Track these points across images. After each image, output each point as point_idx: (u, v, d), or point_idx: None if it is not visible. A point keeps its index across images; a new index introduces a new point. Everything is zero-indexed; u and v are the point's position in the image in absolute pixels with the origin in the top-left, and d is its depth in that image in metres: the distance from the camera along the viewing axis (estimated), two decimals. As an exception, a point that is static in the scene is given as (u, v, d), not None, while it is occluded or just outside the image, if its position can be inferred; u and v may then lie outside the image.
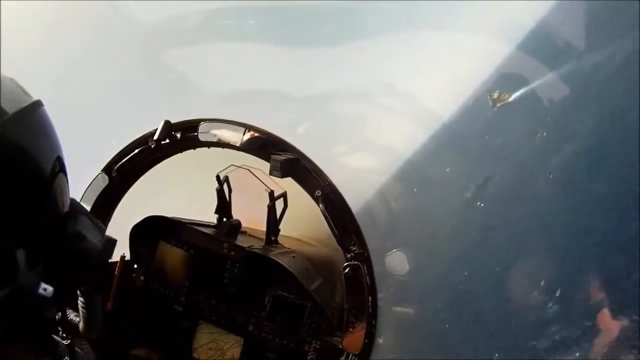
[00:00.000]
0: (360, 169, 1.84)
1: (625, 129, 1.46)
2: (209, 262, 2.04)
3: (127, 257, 2.12)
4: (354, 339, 1.74)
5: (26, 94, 1.01)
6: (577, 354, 1.53)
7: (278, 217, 2.08)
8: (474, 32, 1.66)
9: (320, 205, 1.75)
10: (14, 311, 0.94)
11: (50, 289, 0.94)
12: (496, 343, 1.63)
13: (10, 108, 0.91)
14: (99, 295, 1.37)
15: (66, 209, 1.05)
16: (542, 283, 1.59)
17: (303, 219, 2.21)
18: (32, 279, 0.93)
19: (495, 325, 1.65)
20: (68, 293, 1.18)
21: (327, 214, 1.75)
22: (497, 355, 1.61)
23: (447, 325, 1.71)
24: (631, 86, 1.43)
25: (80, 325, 1.45)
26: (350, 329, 1.74)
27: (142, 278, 2.14)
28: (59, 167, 1.01)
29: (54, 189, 0.99)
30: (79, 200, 1.77)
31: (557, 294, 1.56)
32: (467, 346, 1.68)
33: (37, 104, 0.99)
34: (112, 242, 1.22)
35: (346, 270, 1.72)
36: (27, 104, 0.96)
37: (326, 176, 1.77)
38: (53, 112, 1.07)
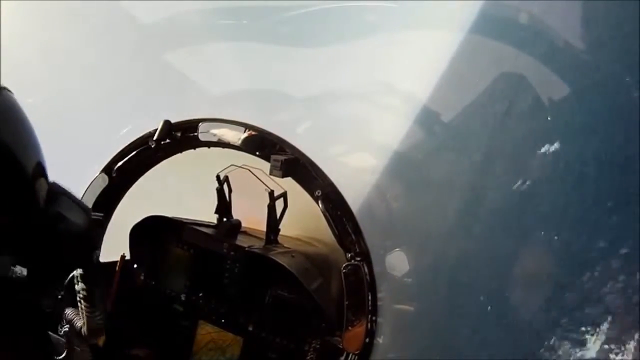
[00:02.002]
0: (360, 169, 1.84)
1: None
2: (209, 262, 2.04)
3: (127, 257, 2.12)
4: (354, 338, 1.74)
5: None
6: (578, 354, 1.53)
7: (278, 216, 2.08)
8: (474, 33, 1.66)
9: (320, 205, 1.75)
10: None
11: (24, 271, 0.96)
12: (496, 342, 1.63)
13: None
14: (99, 291, 1.36)
15: (42, 192, 1.04)
16: (542, 283, 1.59)
17: (303, 219, 2.21)
18: (2, 264, 0.95)
19: (495, 325, 1.65)
20: (50, 275, 1.16)
21: (327, 214, 1.75)
22: (496, 354, 1.61)
23: (446, 325, 1.71)
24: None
25: (83, 329, 1.44)
26: (350, 328, 1.74)
27: (142, 278, 2.14)
28: (30, 151, 1.00)
29: (23, 173, 0.98)
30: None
31: (558, 294, 1.56)
32: (467, 345, 1.68)
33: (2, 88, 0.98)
34: (97, 222, 1.20)
35: (346, 270, 1.72)
36: None
37: (326, 176, 1.77)
38: (53, 112, 1.07)
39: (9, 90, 1.00)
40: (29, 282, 0.97)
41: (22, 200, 1.00)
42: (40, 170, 1.04)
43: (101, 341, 1.85)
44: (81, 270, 1.17)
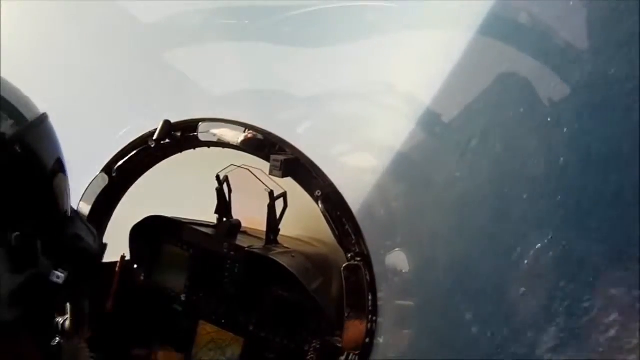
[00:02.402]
0: (360, 169, 1.84)
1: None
2: (209, 262, 2.04)
3: (128, 257, 2.12)
4: (354, 338, 1.74)
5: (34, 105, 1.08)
6: (577, 353, 1.54)
7: (278, 217, 2.08)
8: (478, 33, 1.66)
9: (320, 205, 1.75)
10: (31, 296, 1.02)
11: (62, 275, 1.04)
12: (496, 342, 1.63)
13: (29, 116, 1.01)
14: (86, 299, 1.42)
15: (68, 208, 1.12)
16: (543, 282, 1.59)
17: (303, 219, 2.21)
18: (48, 266, 1.04)
19: (495, 325, 1.65)
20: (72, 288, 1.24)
21: (327, 214, 1.75)
22: (497, 353, 1.61)
23: (447, 325, 1.71)
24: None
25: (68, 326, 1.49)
26: (350, 328, 1.74)
27: (142, 278, 2.14)
28: (63, 169, 1.09)
29: (61, 189, 1.08)
30: (79, 200, 1.79)
31: (559, 295, 1.56)
32: (468, 345, 1.68)
33: (45, 115, 1.08)
34: (105, 247, 1.33)
35: (346, 270, 1.73)
36: (40, 113, 1.05)
37: (326, 176, 1.77)
38: (53, 111, 1.09)
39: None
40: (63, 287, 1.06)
41: (60, 214, 1.10)
42: (69, 190, 1.14)
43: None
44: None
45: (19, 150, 0.97)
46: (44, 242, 1.02)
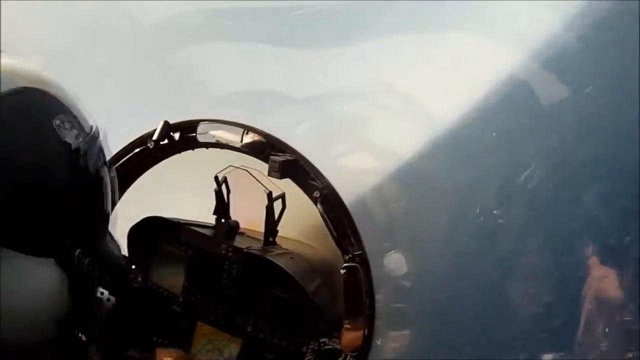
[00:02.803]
0: (359, 170, 1.83)
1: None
2: (207, 263, 2.04)
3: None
4: (352, 339, 1.74)
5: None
6: (576, 355, 1.53)
7: (276, 218, 2.08)
8: (476, 35, 1.66)
9: (319, 207, 1.74)
10: (85, 315, 1.02)
11: (106, 293, 1.01)
12: (496, 344, 1.62)
13: (87, 128, 1.04)
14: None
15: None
16: (543, 285, 1.59)
17: (301, 221, 2.21)
18: (92, 281, 1.04)
19: (494, 327, 1.65)
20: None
21: (325, 216, 1.74)
22: (496, 354, 1.61)
23: (445, 326, 1.70)
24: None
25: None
26: (349, 330, 1.74)
27: (139, 279, 2.13)
28: (114, 181, 1.15)
29: (109, 202, 1.12)
30: None
31: (558, 295, 1.55)
32: (467, 346, 1.68)
33: (97, 126, 1.12)
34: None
35: (344, 272, 1.72)
36: (93, 125, 1.08)
37: (324, 177, 1.77)
38: None
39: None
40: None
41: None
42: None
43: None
44: None
45: (82, 163, 0.97)
46: (94, 258, 1.01)
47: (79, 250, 0.94)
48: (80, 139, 0.96)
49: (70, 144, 0.93)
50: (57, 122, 0.92)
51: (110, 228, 1.13)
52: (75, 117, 0.99)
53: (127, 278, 1.18)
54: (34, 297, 0.91)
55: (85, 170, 0.98)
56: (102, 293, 1.03)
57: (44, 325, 0.93)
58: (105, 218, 1.07)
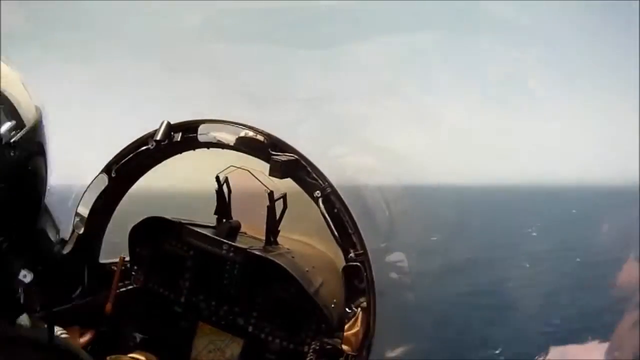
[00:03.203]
0: (360, 170, 1.84)
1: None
2: (208, 263, 2.04)
3: (127, 258, 2.11)
4: (353, 338, 1.74)
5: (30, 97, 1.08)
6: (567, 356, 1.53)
7: (277, 218, 2.08)
8: (477, 34, 1.66)
9: (320, 206, 1.75)
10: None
11: (30, 275, 1.06)
12: (496, 343, 1.63)
13: (27, 120, 1.02)
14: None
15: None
16: (543, 284, 1.59)
17: (302, 220, 2.21)
18: (17, 265, 1.05)
19: (495, 325, 1.65)
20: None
21: (326, 215, 1.74)
22: (497, 354, 1.61)
23: (446, 326, 1.71)
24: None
25: None
26: (349, 329, 1.74)
27: (141, 279, 2.13)
28: (45, 161, 1.11)
29: (43, 184, 1.11)
30: (79, 200, 1.78)
31: (558, 298, 1.56)
32: (467, 346, 1.68)
33: (41, 116, 1.09)
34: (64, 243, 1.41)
35: (345, 271, 1.72)
36: (37, 117, 1.06)
37: (325, 177, 1.77)
38: (53, 111, 1.09)
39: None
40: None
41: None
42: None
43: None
44: None
45: (14, 154, 0.98)
46: (17, 240, 1.03)
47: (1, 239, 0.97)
48: (13, 132, 0.97)
49: (1, 138, 0.95)
50: None
51: (43, 204, 1.15)
52: (11, 108, 0.99)
53: (52, 253, 1.20)
54: None
55: (16, 163, 0.99)
56: (24, 276, 1.05)
57: None
58: (34, 206, 1.09)
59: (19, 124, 1.00)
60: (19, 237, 1.05)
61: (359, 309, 1.73)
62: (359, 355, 1.73)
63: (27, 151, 1.02)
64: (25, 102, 1.05)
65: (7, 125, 0.98)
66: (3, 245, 1.01)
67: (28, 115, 1.03)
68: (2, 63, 1.04)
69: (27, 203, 1.06)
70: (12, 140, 0.97)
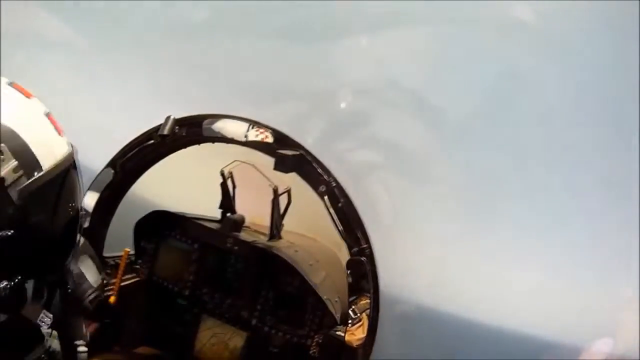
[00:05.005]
0: (365, 165, 1.84)
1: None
2: (213, 257, 2.05)
3: (132, 252, 2.12)
4: (356, 333, 1.75)
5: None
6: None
7: (282, 212, 2.09)
8: (478, 31, 1.67)
9: (325, 201, 1.75)
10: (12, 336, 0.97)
11: (49, 318, 1.01)
12: (496, 343, 1.64)
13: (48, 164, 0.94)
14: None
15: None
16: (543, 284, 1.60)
17: (307, 214, 2.21)
18: (36, 310, 0.99)
19: (495, 325, 1.66)
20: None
21: (331, 210, 1.75)
22: (497, 354, 1.62)
23: (448, 322, 1.72)
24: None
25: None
26: (353, 323, 1.75)
27: (146, 272, 2.14)
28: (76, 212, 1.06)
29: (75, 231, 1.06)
30: (84, 193, 1.75)
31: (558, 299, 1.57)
32: (467, 345, 1.69)
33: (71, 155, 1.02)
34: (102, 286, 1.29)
35: (349, 265, 1.73)
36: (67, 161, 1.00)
37: (330, 172, 1.78)
38: (54, 110, 1.07)
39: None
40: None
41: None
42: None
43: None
44: None
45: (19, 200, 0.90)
46: (41, 285, 0.99)
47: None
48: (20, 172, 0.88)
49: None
50: None
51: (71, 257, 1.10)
52: (32, 152, 0.91)
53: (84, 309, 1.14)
54: None
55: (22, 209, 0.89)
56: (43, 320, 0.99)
57: None
58: (60, 252, 1.02)
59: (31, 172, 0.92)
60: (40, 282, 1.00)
61: (363, 303, 1.74)
62: (362, 349, 1.74)
63: (43, 195, 0.94)
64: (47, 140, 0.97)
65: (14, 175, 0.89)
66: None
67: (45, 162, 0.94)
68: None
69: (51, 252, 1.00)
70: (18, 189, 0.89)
